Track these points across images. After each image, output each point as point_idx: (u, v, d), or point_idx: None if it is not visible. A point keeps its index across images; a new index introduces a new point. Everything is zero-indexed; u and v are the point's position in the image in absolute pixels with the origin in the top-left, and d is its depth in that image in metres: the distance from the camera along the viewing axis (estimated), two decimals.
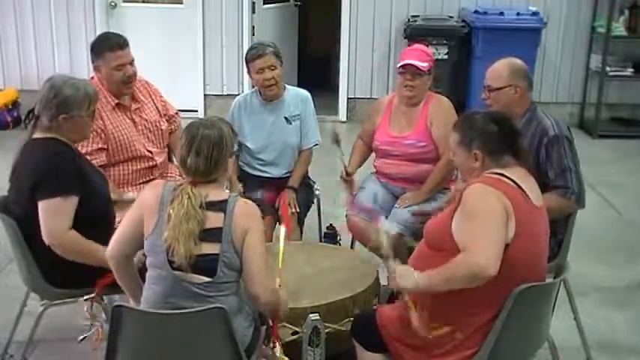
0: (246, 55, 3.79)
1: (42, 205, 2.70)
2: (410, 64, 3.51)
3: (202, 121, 2.42)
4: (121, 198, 3.15)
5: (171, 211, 2.28)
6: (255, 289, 2.33)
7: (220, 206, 2.32)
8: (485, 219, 2.29)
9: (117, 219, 2.96)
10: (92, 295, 2.78)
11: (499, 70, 3.12)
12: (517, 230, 2.32)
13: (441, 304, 2.38)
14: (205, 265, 2.30)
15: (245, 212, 2.34)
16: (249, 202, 2.41)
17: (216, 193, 2.35)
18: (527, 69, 3.17)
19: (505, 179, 2.41)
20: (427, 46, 6.46)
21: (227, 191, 2.43)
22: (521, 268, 2.34)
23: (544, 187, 2.99)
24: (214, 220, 2.31)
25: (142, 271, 2.47)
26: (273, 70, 3.71)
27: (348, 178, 3.76)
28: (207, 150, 2.32)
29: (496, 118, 2.54)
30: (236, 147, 2.47)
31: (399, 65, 3.56)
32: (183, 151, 2.36)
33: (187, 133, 2.37)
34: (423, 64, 3.52)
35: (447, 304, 2.37)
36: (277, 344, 2.52)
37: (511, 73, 3.09)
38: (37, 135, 2.83)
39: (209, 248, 2.30)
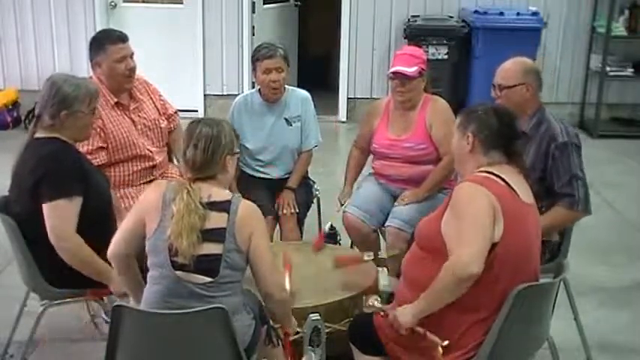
0: (255, 53, 3.76)
1: (47, 208, 2.69)
2: (397, 72, 3.50)
3: (204, 119, 2.49)
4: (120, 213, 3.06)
5: (173, 207, 2.30)
6: (268, 289, 2.40)
7: (223, 206, 2.34)
8: (472, 219, 2.29)
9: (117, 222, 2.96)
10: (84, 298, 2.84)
11: (511, 68, 3.08)
12: (506, 229, 2.31)
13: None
14: (207, 265, 2.30)
15: (249, 214, 2.36)
16: (252, 203, 2.42)
17: (218, 194, 2.37)
18: (539, 69, 3.15)
19: (494, 177, 2.40)
20: (427, 46, 6.58)
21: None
22: (512, 266, 2.34)
23: (549, 192, 2.99)
24: (217, 220, 2.32)
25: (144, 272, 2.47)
26: (280, 72, 3.70)
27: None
28: (204, 143, 2.37)
29: (500, 113, 2.52)
30: (237, 149, 2.49)
31: (388, 72, 3.56)
32: (184, 145, 2.42)
33: (188, 129, 2.44)
34: (411, 70, 3.48)
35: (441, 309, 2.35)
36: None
37: (524, 72, 3.06)
38: (38, 134, 2.83)
39: (212, 248, 2.30)
